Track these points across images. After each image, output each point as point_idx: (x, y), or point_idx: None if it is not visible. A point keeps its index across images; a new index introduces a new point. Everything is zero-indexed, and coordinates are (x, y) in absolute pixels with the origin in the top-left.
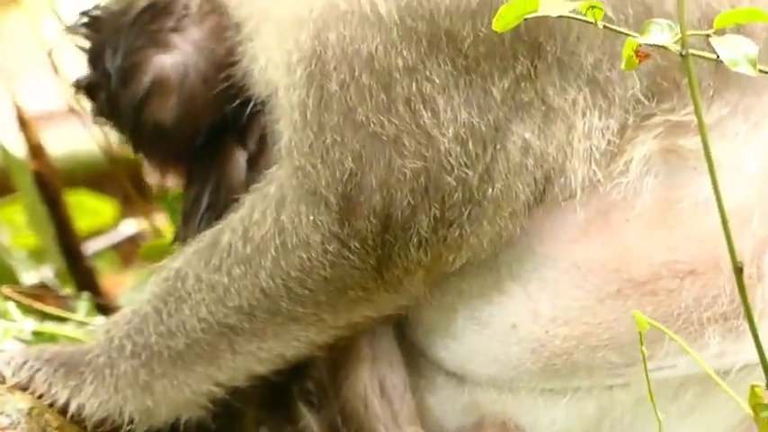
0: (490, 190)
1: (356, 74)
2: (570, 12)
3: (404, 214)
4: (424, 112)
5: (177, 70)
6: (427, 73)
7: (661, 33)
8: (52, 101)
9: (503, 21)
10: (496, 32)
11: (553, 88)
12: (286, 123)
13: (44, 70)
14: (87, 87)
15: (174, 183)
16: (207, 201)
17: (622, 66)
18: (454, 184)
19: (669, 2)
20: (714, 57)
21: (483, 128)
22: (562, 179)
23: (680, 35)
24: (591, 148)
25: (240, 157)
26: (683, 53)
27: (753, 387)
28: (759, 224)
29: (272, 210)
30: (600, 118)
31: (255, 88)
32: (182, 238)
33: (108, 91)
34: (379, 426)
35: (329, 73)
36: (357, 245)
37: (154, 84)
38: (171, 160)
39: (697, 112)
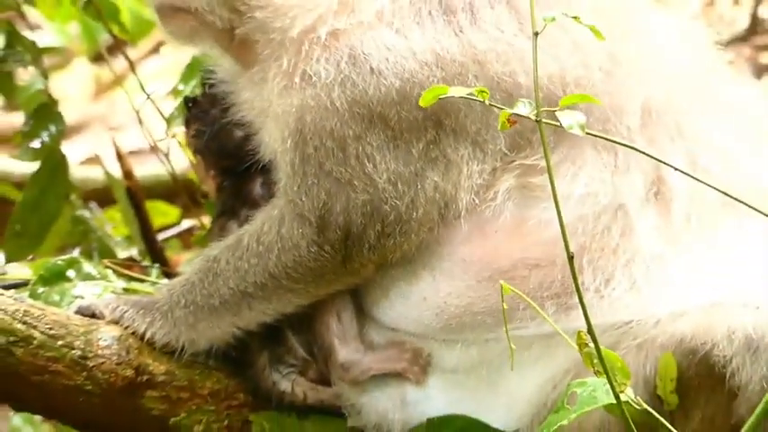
0: (415, 214)
1: (323, 141)
2: (468, 94)
3: (358, 229)
4: (368, 164)
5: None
6: (368, 139)
7: (524, 108)
8: (139, 143)
9: (426, 99)
10: (412, 114)
11: (450, 148)
12: (282, 173)
13: (135, 122)
14: (194, 113)
15: (213, 189)
16: (232, 204)
17: (498, 127)
18: (389, 210)
19: (522, 88)
20: (558, 123)
21: (407, 174)
22: (454, 205)
23: (536, 110)
24: (473, 185)
25: (258, 180)
26: (538, 120)
27: (579, 332)
28: (581, 236)
29: (275, 225)
30: (478, 165)
31: (265, 156)
32: (215, 230)
33: (207, 115)
34: (334, 339)
35: (307, 141)
36: (329, 248)
37: (232, 122)
38: (218, 171)
39: (547, 160)
